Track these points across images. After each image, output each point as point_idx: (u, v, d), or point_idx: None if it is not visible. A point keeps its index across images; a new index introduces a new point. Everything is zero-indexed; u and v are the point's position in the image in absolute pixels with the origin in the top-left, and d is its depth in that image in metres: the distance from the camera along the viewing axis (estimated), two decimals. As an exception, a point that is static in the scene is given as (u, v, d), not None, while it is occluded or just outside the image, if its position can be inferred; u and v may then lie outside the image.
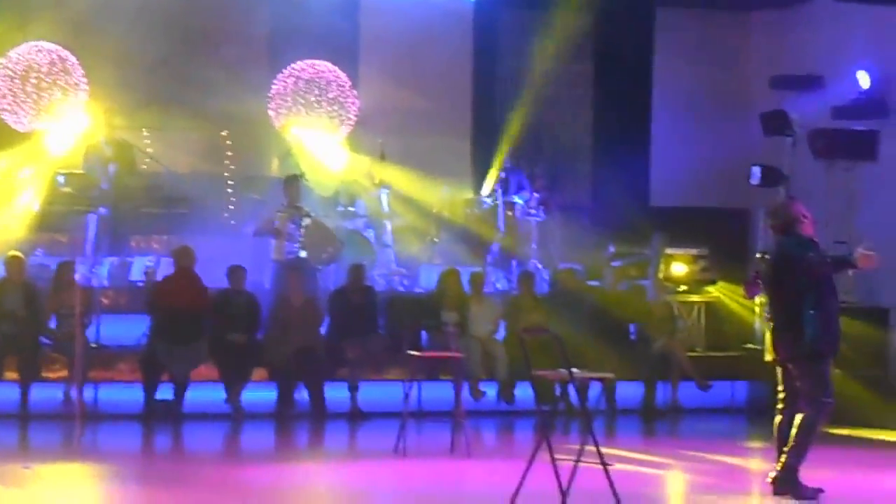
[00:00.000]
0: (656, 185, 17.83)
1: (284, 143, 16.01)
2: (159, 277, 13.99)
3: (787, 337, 8.85)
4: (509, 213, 15.99)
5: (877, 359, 14.29)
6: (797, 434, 8.71)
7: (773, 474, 8.89)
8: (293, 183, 14.55)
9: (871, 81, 15.70)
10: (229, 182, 15.99)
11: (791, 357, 8.86)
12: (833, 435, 12.76)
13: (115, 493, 9.40)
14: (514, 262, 15.96)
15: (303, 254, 14.19)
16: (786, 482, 8.75)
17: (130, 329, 13.34)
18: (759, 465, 11.68)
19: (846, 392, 13.41)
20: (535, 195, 16.28)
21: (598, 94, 17.99)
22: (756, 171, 15.38)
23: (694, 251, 16.27)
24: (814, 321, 8.73)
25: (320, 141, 15.94)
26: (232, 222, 15.43)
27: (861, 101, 15.78)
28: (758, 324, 15.27)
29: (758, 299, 15.31)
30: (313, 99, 15.94)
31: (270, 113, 16.04)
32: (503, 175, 16.12)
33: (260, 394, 13.24)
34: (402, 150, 15.84)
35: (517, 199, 16.13)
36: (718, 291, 16.03)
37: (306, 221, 14.29)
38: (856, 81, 15.77)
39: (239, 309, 13.34)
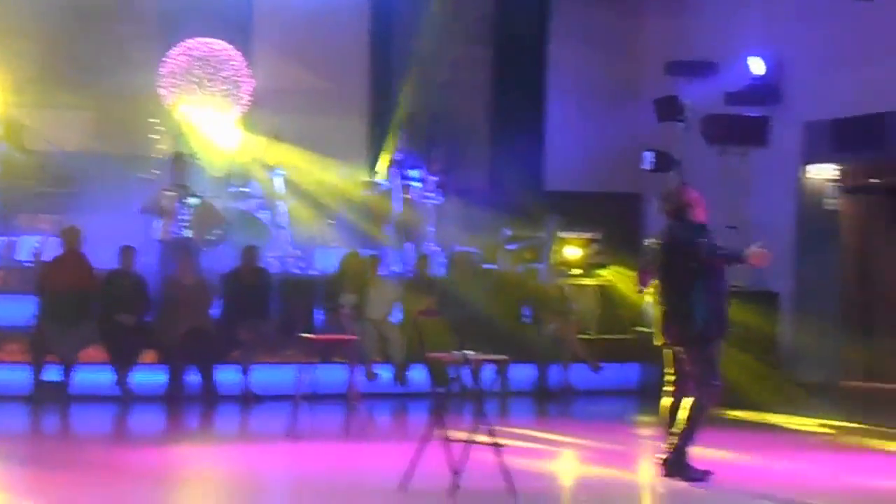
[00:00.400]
0: (551, 170, 17.93)
1: (176, 122, 15.77)
2: (47, 258, 13.72)
3: (676, 321, 8.91)
4: (406, 196, 15.94)
5: (766, 343, 14.50)
6: (687, 417, 8.79)
7: (661, 456, 8.97)
8: (179, 161, 14.40)
9: (764, 68, 15.91)
10: (119, 161, 15.72)
11: (680, 341, 8.92)
12: (723, 418, 12.95)
13: (2, 475, 9.19)
14: (410, 245, 15.92)
15: (188, 233, 14.02)
16: (675, 464, 8.84)
17: (18, 309, 13.07)
18: (650, 446, 11.82)
19: (737, 376, 13.63)
20: (432, 178, 16.25)
21: (495, 78, 18.02)
22: (648, 156, 15.52)
23: (587, 235, 16.40)
24: (703, 306, 8.78)
25: (213, 120, 15.73)
26: (121, 202, 15.16)
27: (753, 87, 15.97)
28: (648, 307, 15.40)
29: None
30: (206, 77, 15.74)
31: (162, 91, 15.80)
32: (399, 157, 16.06)
33: (150, 376, 13.06)
34: (298, 131, 15.68)
35: (414, 182, 16.08)
36: (611, 275, 16.17)
37: (193, 201, 14.11)
38: (748, 68, 15.97)
39: (127, 290, 13.14)
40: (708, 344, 8.85)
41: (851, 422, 12.44)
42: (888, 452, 10.85)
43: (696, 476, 8.80)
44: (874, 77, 14.62)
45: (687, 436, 8.81)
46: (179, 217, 14.01)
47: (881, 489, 9.00)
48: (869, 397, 15.17)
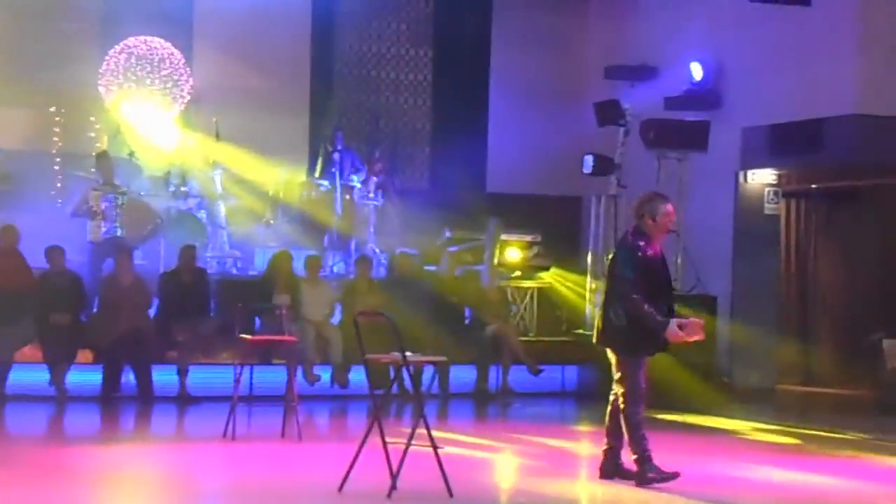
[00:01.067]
0: (493, 172, 17.96)
1: (115, 121, 15.63)
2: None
3: (605, 328, 8.84)
4: (346, 197, 15.89)
5: (704, 346, 14.56)
6: (626, 429, 8.78)
7: (603, 457, 8.98)
8: (104, 159, 14.34)
9: (704, 73, 16.02)
10: (57, 160, 15.56)
11: (606, 345, 8.91)
12: (661, 420, 13.02)
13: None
14: (350, 246, 15.88)
15: (120, 232, 13.90)
16: (642, 470, 8.76)
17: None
18: (588, 448, 11.85)
19: (675, 378, 13.71)
20: (373, 179, 16.22)
21: (436, 79, 18.03)
22: (588, 159, 15.58)
23: (528, 237, 16.45)
24: (625, 320, 8.64)
25: (152, 118, 15.61)
26: (59, 201, 15.03)
27: (693, 92, 16.10)
28: (588, 309, 15.49)
29: (589, 283, 15.59)
30: (146, 75, 15.61)
31: (101, 89, 15.66)
32: (339, 157, 15.99)
33: (85, 376, 12.94)
34: (238, 130, 15.57)
35: (355, 183, 16.04)
36: (551, 277, 16.21)
37: (122, 199, 13.99)
38: (688, 72, 16.08)
39: (63, 289, 13.01)
40: (630, 355, 8.75)
41: (787, 425, 12.55)
42: (823, 456, 10.95)
43: (665, 477, 8.74)
44: (812, 82, 14.78)
45: (635, 445, 8.75)
46: (110, 216, 13.89)
47: (814, 492, 9.08)
48: (805, 401, 15.33)
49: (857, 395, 14.39)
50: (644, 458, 8.76)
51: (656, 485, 8.72)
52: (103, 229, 13.93)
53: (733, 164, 15.89)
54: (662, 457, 10.17)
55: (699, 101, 16.06)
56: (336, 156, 15.98)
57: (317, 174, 16.04)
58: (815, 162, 14.94)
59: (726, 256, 15.86)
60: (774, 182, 16.09)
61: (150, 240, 14.32)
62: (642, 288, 8.61)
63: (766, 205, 16.08)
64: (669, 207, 8.77)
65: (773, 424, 12.63)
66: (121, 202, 13.96)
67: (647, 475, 8.75)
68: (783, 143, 15.10)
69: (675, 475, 8.78)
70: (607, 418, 9.00)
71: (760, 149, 15.51)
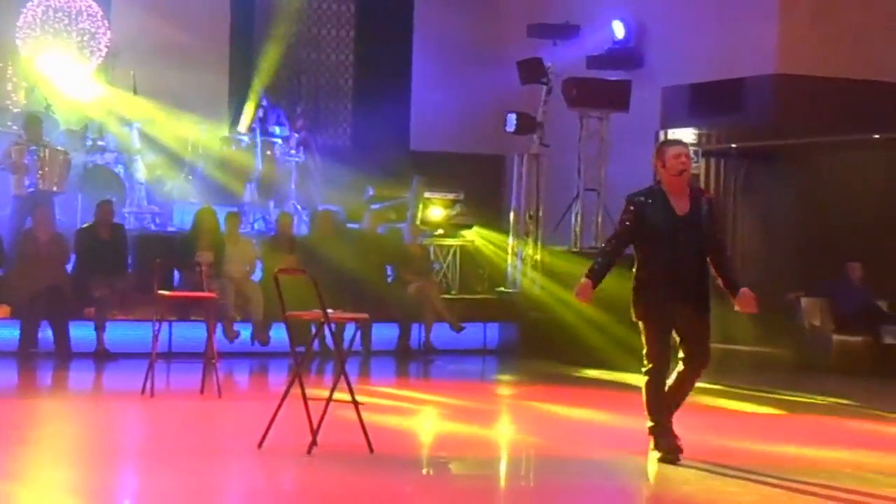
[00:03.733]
0: (416, 130, 17.91)
1: (32, 74, 15.35)
2: None
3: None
4: (268, 153, 15.76)
5: (626, 305, 14.63)
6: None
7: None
8: (31, 118, 14.08)
9: (626, 32, 16.06)
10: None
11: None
12: (582, 377, 13.13)
13: None
14: (272, 203, 15.76)
15: (42, 186, 13.70)
16: (654, 438, 8.15)
17: None
18: (508, 404, 11.93)
19: (593, 335, 13.83)
20: (295, 135, 16.10)
21: (359, 35, 17.91)
22: (511, 118, 15.58)
23: (451, 196, 16.41)
24: (636, 282, 8.09)
25: (69, 72, 15.35)
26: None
27: (615, 51, 16.15)
28: (510, 268, 15.53)
29: (511, 242, 15.63)
30: (63, 28, 15.34)
31: (18, 42, 15.37)
32: (261, 113, 15.85)
33: (2, 331, 12.79)
34: (156, 84, 15.38)
35: (276, 139, 15.91)
36: (473, 236, 16.22)
37: (43, 152, 13.78)
38: (610, 31, 16.11)
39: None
40: (641, 322, 8.10)
41: (706, 382, 12.66)
42: (740, 412, 11.10)
43: (665, 455, 8.05)
44: (732, 42, 14.87)
45: (647, 410, 8.17)
46: (33, 171, 13.67)
47: (731, 448, 9.19)
48: (724, 358, 15.48)
49: (775, 352, 14.57)
50: (652, 429, 8.19)
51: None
52: (26, 183, 13.71)
53: (654, 124, 15.97)
54: (586, 413, 10.25)
55: (621, 61, 16.12)
56: (260, 111, 15.83)
57: (240, 130, 15.88)
58: (735, 122, 15.05)
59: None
60: (694, 142, 16.17)
61: (63, 189, 14.10)
62: (641, 244, 8.08)
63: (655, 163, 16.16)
64: (676, 149, 8.15)
65: (710, 383, 12.74)
66: (41, 155, 13.72)
67: (655, 447, 8.17)
68: (703, 102, 15.20)
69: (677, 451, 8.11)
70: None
71: (681, 108, 15.60)
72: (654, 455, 8.12)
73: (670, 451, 8.06)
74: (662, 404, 8.13)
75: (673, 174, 8.08)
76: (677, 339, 8.14)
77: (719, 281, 8.21)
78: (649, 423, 8.19)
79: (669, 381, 8.16)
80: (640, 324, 8.12)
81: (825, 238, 15.56)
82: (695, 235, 8.05)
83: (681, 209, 8.09)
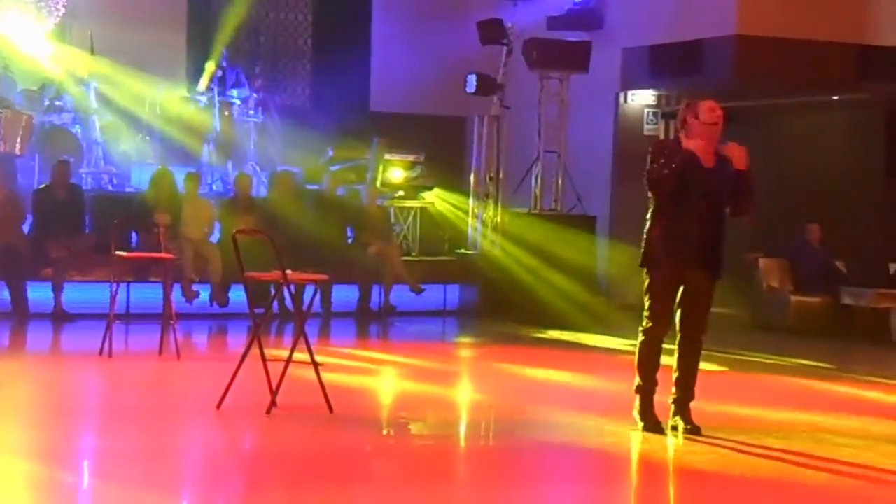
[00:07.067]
0: (376, 90, 17.83)
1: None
2: None
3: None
4: (226, 113, 15.64)
5: (583, 265, 14.72)
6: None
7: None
8: None
9: (586, -8, 16.03)
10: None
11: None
12: (542, 338, 13.17)
13: None
14: (230, 163, 15.67)
15: (3, 147, 13.56)
16: (639, 395, 7.97)
17: None
18: (467, 364, 11.96)
19: (554, 296, 13.89)
20: (254, 95, 15.99)
21: (318, -6, 17.77)
22: (472, 79, 15.55)
23: (411, 157, 16.36)
24: (647, 234, 7.93)
25: (26, 32, 15.16)
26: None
27: (575, 11, 16.11)
28: (470, 230, 15.54)
29: (472, 203, 15.62)
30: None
31: (-27, 1, 15.17)
32: (219, 73, 15.71)
33: (-42, 294, 12.67)
34: (114, 43, 15.20)
35: (235, 99, 15.80)
36: (434, 197, 16.20)
37: (4, 114, 13.61)
38: (570, -8, 16.07)
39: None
40: (648, 274, 7.93)
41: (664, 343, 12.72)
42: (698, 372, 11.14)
43: (647, 426, 7.88)
44: (691, 4, 14.87)
45: (638, 370, 7.95)
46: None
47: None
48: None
49: (733, 313, 14.66)
50: (638, 388, 7.95)
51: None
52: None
53: (614, 85, 15.98)
54: (545, 373, 10.27)
55: (581, 21, 16.09)
56: (219, 71, 15.70)
57: (198, 90, 15.76)
58: (694, 83, 15.05)
59: (606, 177, 16.00)
60: (654, 103, 16.22)
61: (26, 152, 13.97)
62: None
63: (646, 125, 16.23)
64: (710, 103, 7.87)
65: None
66: (3, 116, 13.56)
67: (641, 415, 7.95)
68: (663, 64, 15.21)
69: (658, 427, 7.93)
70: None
71: (640, 70, 15.60)
72: (638, 421, 7.89)
73: (656, 425, 7.87)
74: (654, 368, 7.91)
75: (708, 123, 7.80)
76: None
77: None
78: (637, 383, 7.91)
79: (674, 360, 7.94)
80: (646, 279, 7.92)
81: (784, 199, 15.66)
82: (721, 190, 7.83)
83: (708, 162, 7.84)
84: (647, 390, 7.95)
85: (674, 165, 7.77)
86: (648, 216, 7.98)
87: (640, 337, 7.96)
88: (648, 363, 7.93)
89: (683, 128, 7.98)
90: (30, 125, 13.96)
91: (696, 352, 8.02)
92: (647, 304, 7.92)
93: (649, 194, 7.97)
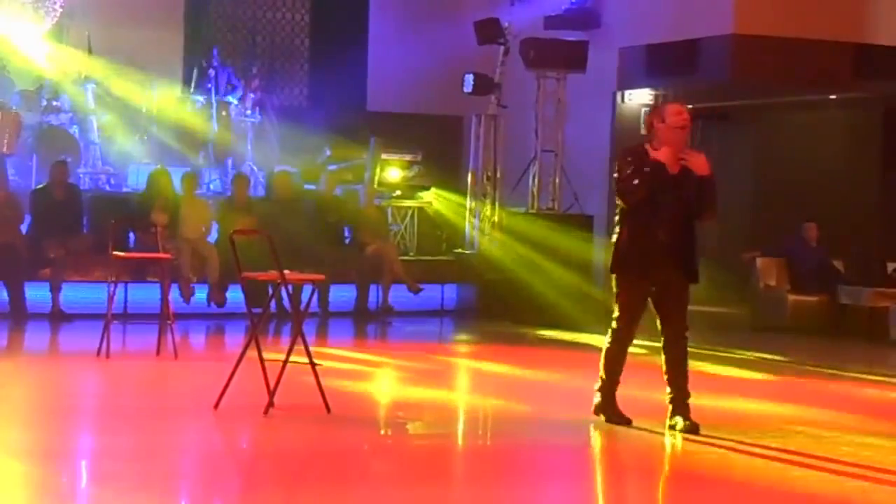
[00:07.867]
0: (373, 90, 17.82)
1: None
2: None
3: None
4: (223, 113, 15.65)
5: (582, 264, 14.73)
6: None
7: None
8: None
9: (582, -8, 16.04)
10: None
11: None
12: (539, 337, 13.18)
13: None
14: (228, 163, 15.67)
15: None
16: (600, 404, 8.08)
17: None
18: (467, 363, 11.96)
19: (551, 296, 13.88)
20: (251, 95, 15.99)
21: (315, -7, 17.78)
22: (469, 78, 15.55)
23: (408, 157, 16.38)
24: (618, 240, 7.92)
25: (23, 32, 15.17)
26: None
27: (572, 11, 16.11)
28: (467, 229, 15.54)
29: (469, 203, 15.64)
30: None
31: (-30, 1, 15.18)
32: (213, 73, 15.71)
33: (-44, 294, 12.67)
34: (111, 44, 15.22)
35: (231, 99, 15.80)
36: (431, 197, 16.21)
37: None
38: (567, -9, 16.07)
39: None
40: (617, 279, 7.95)
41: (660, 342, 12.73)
42: (696, 372, 11.11)
43: (615, 420, 8.00)
44: (688, 3, 14.88)
45: (602, 368, 8.06)
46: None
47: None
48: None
49: (731, 313, 14.67)
50: (603, 392, 8.08)
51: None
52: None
53: (611, 85, 15.98)
54: (543, 373, 10.27)
55: (578, 21, 16.09)
56: (211, 72, 15.70)
57: (195, 90, 15.76)
58: (691, 82, 15.09)
59: (603, 176, 15.98)
60: (651, 102, 16.21)
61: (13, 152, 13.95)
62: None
63: (643, 125, 16.20)
64: (676, 106, 7.97)
65: (647, 341, 12.79)
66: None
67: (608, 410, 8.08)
68: (660, 63, 15.21)
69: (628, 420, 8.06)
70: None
71: (638, 69, 15.61)
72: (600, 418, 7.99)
73: (619, 416, 7.98)
74: (618, 367, 8.03)
75: (675, 126, 7.86)
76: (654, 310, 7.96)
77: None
78: (601, 379, 8.03)
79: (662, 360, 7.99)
80: (615, 284, 7.96)
81: (781, 198, 15.68)
82: (685, 195, 7.86)
83: (673, 168, 7.86)
84: (609, 388, 8.05)
85: (644, 178, 7.79)
86: (616, 222, 8.03)
87: (608, 338, 8.04)
88: (614, 363, 8.05)
89: (650, 132, 8.02)
90: (18, 123, 13.95)
91: (680, 351, 8.06)
92: (616, 308, 8.00)
93: (618, 201, 8.02)
